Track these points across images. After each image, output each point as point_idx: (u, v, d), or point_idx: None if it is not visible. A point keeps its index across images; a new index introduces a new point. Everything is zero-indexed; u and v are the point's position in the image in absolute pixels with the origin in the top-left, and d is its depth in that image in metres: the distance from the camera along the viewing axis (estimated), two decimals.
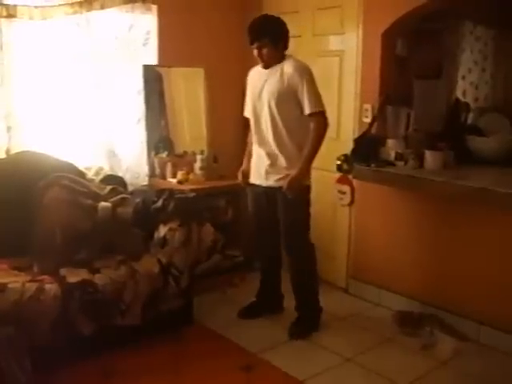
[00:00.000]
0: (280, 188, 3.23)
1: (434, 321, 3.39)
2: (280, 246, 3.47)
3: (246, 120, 3.47)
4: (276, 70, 3.20)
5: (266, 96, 3.21)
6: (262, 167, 3.32)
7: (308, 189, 3.33)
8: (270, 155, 3.28)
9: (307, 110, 3.15)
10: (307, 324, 3.42)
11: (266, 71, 3.24)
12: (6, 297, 2.70)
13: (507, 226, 3.16)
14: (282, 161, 3.25)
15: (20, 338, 2.53)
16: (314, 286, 3.47)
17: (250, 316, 3.58)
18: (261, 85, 3.24)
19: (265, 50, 3.16)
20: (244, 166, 3.51)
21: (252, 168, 3.43)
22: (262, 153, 3.31)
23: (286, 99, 3.17)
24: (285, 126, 3.21)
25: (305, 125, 3.18)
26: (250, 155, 3.45)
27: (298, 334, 3.35)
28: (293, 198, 3.21)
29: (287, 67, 3.17)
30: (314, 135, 3.17)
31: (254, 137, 3.37)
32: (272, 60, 3.20)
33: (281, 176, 3.24)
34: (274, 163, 3.27)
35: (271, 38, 3.14)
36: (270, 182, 3.30)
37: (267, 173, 3.30)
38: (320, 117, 3.18)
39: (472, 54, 4.38)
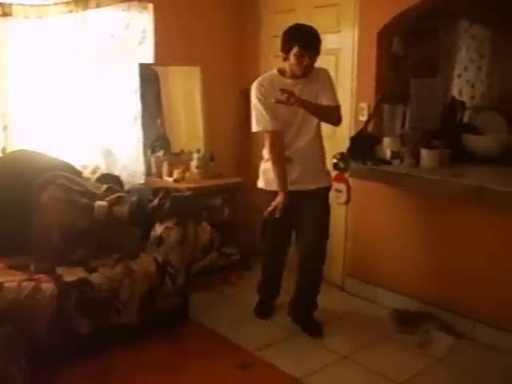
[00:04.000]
0: (315, 190, 3.26)
1: (430, 319, 3.40)
2: (288, 248, 3.48)
3: (272, 134, 3.20)
4: (314, 81, 3.18)
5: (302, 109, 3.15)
6: (293, 172, 3.24)
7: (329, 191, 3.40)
8: (303, 160, 3.24)
9: (331, 102, 3.19)
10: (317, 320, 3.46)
11: (300, 82, 3.16)
12: (2, 296, 2.71)
13: (503, 224, 3.17)
14: (316, 164, 3.30)
15: (17, 337, 2.52)
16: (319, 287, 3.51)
17: (269, 312, 3.61)
18: (301, 95, 3.11)
19: (311, 60, 3.10)
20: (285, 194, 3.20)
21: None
22: (296, 159, 3.24)
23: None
24: (318, 132, 3.26)
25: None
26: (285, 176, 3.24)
27: (320, 331, 3.38)
28: (323, 199, 3.30)
29: (316, 76, 3.20)
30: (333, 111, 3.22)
31: (287, 145, 3.24)
32: (309, 71, 3.15)
33: (318, 178, 3.29)
34: (307, 168, 3.24)
35: (319, 50, 3.12)
36: (302, 185, 3.25)
37: (299, 177, 3.25)
38: (339, 111, 3.25)
39: (468, 52, 4.38)
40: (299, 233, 3.39)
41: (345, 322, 3.57)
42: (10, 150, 3.52)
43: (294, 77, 3.17)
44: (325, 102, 3.19)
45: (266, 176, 3.33)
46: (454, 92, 4.32)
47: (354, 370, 3.02)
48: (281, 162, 3.20)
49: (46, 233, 3.12)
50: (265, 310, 3.63)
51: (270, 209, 3.20)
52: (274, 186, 3.24)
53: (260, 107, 3.17)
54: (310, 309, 3.46)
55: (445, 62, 4.24)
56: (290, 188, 3.21)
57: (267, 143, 3.25)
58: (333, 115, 3.22)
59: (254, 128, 3.24)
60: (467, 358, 3.12)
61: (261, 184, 3.38)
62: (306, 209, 3.29)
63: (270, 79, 3.21)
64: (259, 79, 3.24)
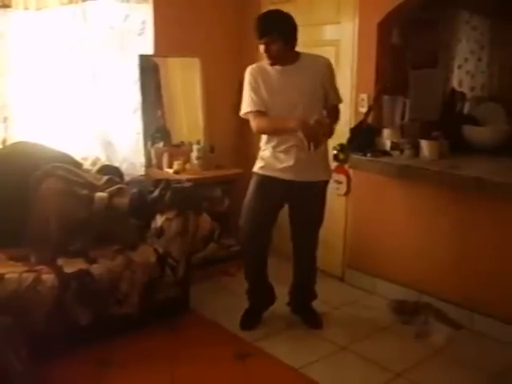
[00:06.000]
0: (310, 183, 3.14)
1: (428, 309, 3.41)
2: (270, 235, 3.33)
3: (254, 114, 3.10)
4: (304, 68, 3.06)
5: (297, 95, 3.04)
6: (289, 161, 3.11)
7: (327, 184, 3.31)
8: (299, 150, 3.07)
9: (335, 102, 3.22)
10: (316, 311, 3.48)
11: (288, 69, 3.05)
12: (3, 287, 2.72)
13: (502, 214, 3.18)
14: (313, 156, 3.05)
15: (17, 328, 2.54)
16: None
17: (254, 324, 3.37)
18: (287, 84, 3.05)
19: (274, 46, 2.95)
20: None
21: (274, 161, 3.14)
22: (291, 148, 3.10)
23: (318, 96, 3.10)
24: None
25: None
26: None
27: (319, 322, 3.40)
28: (319, 192, 3.22)
29: (313, 64, 3.10)
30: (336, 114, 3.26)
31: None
32: (280, 57, 3.02)
33: (315, 171, 3.16)
34: (303, 159, 3.08)
35: (281, 34, 2.96)
36: (298, 176, 3.12)
37: (295, 166, 3.10)
38: (339, 110, 3.29)
39: (468, 43, 4.37)
40: (293, 224, 3.33)
41: (343, 313, 3.59)
42: (10, 141, 3.52)
43: (272, 64, 3.06)
44: (329, 100, 3.16)
45: (263, 161, 3.21)
46: (454, 83, 4.32)
47: (352, 360, 3.04)
48: (267, 118, 3.08)
49: (45, 224, 3.13)
50: (252, 318, 3.41)
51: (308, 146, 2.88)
52: (268, 172, 3.15)
53: (248, 91, 3.11)
54: (309, 298, 3.48)
55: (445, 53, 4.24)
56: (286, 177, 3.12)
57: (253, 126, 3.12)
58: (335, 118, 3.25)
59: (241, 111, 3.17)
60: (465, 349, 3.14)
61: (255, 168, 3.24)
62: (306, 200, 3.23)
63: (260, 65, 3.15)
64: (251, 65, 3.18)
